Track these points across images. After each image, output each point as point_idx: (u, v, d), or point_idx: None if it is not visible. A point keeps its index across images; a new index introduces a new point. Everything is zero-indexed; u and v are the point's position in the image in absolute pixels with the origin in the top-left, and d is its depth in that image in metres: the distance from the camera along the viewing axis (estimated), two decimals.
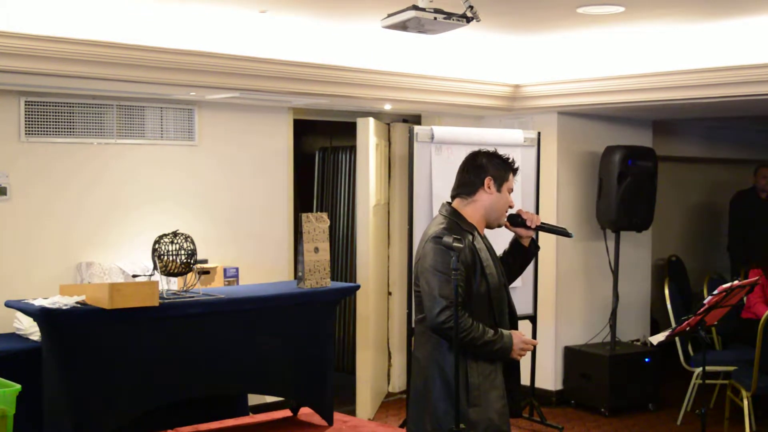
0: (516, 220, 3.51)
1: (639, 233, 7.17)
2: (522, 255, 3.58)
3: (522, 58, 6.25)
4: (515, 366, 3.44)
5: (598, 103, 6.50)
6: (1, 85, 5.17)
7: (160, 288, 4.70)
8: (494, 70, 6.56)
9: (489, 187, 3.35)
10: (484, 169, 3.38)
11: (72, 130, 5.61)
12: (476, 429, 3.26)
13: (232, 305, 4.97)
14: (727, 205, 8.40)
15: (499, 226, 3.47)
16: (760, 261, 6.71)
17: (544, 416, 6.43)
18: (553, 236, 6.90)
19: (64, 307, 4.41)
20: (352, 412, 6.41)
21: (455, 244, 3.09)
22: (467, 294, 3.24)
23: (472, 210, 3.37)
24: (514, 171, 3.45)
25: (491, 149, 3.48)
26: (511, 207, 3.46)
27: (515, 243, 3.57)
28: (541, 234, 6.49)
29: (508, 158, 3.46)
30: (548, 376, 6.99)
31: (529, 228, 3.51)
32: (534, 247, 3.60)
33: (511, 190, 3.44)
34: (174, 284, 5.14)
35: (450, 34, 4.03)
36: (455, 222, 3.33)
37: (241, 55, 5.34)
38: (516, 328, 3.44)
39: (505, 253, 3.59)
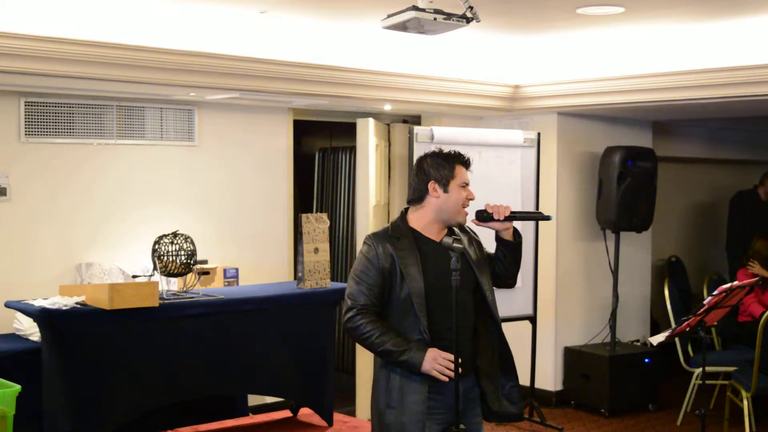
0: (482, 216, 3.37)
1: (639, 233, 7.16)
2: (509, 247, 3.42)
3: (522, 59, 6.24)
4: (491, 369, 3.33)
5: (598, 104, 6.50)
6: (1, 85, 5.17)
7: (160, 288, 4.71)
8: (494, 70, 6.55)
9: (435, 191, 3.31)
10: (426, 174, 3.33)
11: (72, 130, 5.61)
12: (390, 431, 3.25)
13: (232, 306, 4.97)
14: (726, 206, 8.40)
15: (460, 224, 3.37)
16: (743, 261, 6.72)
17: (544, 417, 6.42)
18: (553, 236, 6.92)
19: (64, 308, 4.41)
20: (352, 413, 6.40)
21: (455, 245, 3.11)
22: (387, 299, 3.25)
23: (419, 216, 3.34)
24: (464, 163, 3.35)
25: (436, 150, 3.38)
26: (471, 199, 3.34)
27: (498, 238, 3.43)
28: (541, 233, 6.65)
29: (450, 153, 3.35)
30: (548, 376, 6.98)
31: (499, 221, 3.36)
32: (517, 237, 3.43)
33: (465, 184, 3.33)
34: (174, 285, 5.14)
35: (450, 35, 4.03)
36: (390, 227, 3.35)
37: (241, 56, 5.34)
38: (497, 332, 3.36)
39: (496, 249, 3.47)
